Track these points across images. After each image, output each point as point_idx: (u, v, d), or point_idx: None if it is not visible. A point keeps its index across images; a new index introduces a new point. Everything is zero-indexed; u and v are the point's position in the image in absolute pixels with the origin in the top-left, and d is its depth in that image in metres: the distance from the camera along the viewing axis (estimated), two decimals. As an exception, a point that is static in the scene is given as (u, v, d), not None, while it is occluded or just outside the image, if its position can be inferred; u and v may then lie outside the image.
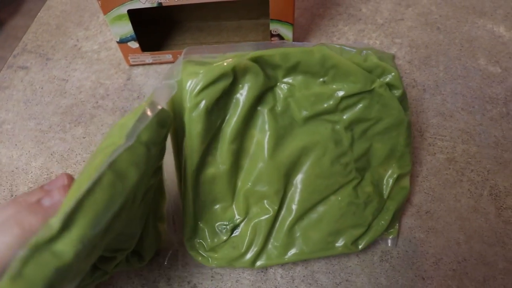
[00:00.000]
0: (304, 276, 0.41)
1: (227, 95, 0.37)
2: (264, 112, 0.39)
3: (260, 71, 0.37)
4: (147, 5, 0.48)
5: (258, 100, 0.39)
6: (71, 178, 0.35)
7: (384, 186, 0.43)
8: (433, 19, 0.62)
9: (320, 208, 0.41)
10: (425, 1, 0.64)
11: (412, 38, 0.59)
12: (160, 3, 0.48)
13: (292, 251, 0.40)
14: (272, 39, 0.53)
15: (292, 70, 0.39)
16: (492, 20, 0.61)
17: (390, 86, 0.40)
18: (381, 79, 0.40)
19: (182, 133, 0.37)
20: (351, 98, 0.39)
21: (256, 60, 0.37)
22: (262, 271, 0.41)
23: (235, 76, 0.36)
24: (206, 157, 0.38)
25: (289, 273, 0.41)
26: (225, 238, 0.40)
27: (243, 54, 0.37)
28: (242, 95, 0.37)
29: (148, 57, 0.55)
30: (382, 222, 0.41)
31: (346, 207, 0.40)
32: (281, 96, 0.39)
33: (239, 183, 0.40)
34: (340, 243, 0.40)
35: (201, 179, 0.38)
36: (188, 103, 0.35)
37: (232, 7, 0.56)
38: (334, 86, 0.39)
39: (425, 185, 0.46)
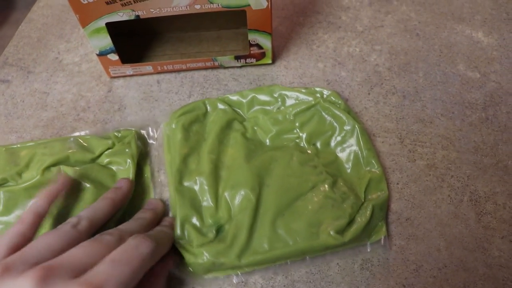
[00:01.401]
0: (284, 286, 0.41)
1: (202, 122, 0.49)
2: (235, 135, 0.48)
3: (228, 106, 0.50)
4: (125, 18, 0.48)
5: (229, 127, 0.49)
6: None
7: (359, 190, 0.44)
8: (413, 25, 0.62)
9: (299, 203, 0.42)
10: (404, 7, 0.65)
11: (391, 44, 0.59)
12: (138, 16, 0.48)
13: (278, 244, 0.41)
14: (251, 49, 0.53)
15: (251, 104, 0.51)
16: (471, 26, 0.62)
17: (332, 102, 0.49)
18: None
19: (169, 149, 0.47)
20: (303, 114, 0.49)
21: (223, 99, 0.51)
22: (242, 282, 0.41)
23: (206, 109, 0.50)
24: (189, 164, 0.46)
25: (269, 283, 0.41)
26: (211, 237, 0.42)
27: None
28: (213, 122, 0.49)
29: (128, 69, 0.55)
30: (364, 216, 0.42)
31: (323, 200, 0.42)
32: (249, 126, 0.49)
33: (220, 191, 0.44)
34: (323, 233, 0.41)
35: (185, 182, 0.44)
36: (172, 123, 0.48)
37: (211, 18, 0.57)
38: (285, 109, 0.50)
39: (405, 192, 0.46)
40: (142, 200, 0.46)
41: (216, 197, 0.43)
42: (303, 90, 0.50)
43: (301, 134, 0.48)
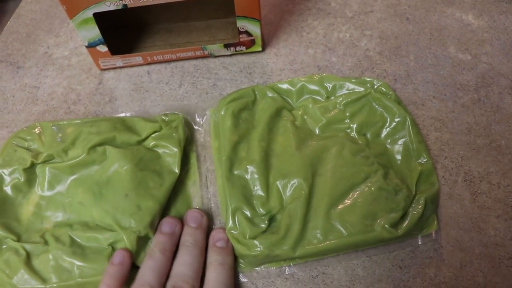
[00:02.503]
0: (280, 271, 0.41)
1: (250, 109, 0.48)
2: (285, 123, 0.47)
3: (276, 94, 0.49)
4: (112, 7, 0.47)
5: (278, 115, 0.48)
6: None
7: (410, 182, 0.44)
8: (402, 9, 0.62)
9: (352, 194, 0.42)
10: (394, -8, 0.65)
11: (382, 29, 0.59)
12: (126, 5, 0.47)
13: (332, 236, 0.40)
14: (240, 36, 0.53)
15: (300, 93, 0.50)
16: (461, 8, 0.61)
17: (382, 92, 0.49)
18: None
19: (217, 135, 0.47)
20: (354, 104, 0.48)
21: (271, 87, 0.50)
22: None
23: (256, 96, 0.49)
24: (239, 152, 0.45)
25: (264, 267, 0.41)
26: (263, 227, 0.41)
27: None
28: (263, 110, 0.48)
29: (118, 60, 0.54)
30: (418, 209, 0.41)
31: (377, 192, 0.41)
32: (298, 115, 0.49)
33: (271, 179, 0.43)
34: (378, 226, 0.40)
35: (235, 171, 0.44)
36: (221, 110, 0.47)
37: (200, 7, 0.56)
38: (335, 99, 0.49)
39: (399, 174, 0.46)
40: (186, 187, 0.46)
41: (267, 186, 0.43)
42: (353, 80, 0.50)
43: (351, 125, 0.47)
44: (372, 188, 0.41)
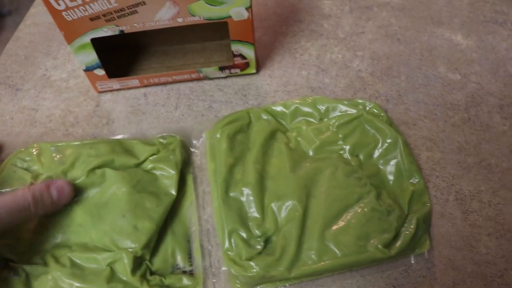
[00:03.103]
0: (275, 291, 0.41)
1: (245, 132, 0.49)
2: (280, 145, 0.48)
3: (271, 117, 0.50)
4: (109, 33, 0.48)
5: (273, 137, 0.49)
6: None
7: (403, 202, 0.45)
8: (393, 30, 0.63)
9: (345, 215, 0.43)
10: (384, 13, 0.66)
11: (373, 50, 0.60)
12: (122, 31, 0.48)
13: (327, 256, 0.41)
14: (235, 59, 0.54)
15: (294, 115, 0.51)
16: (450, 29, 0.63)
17: (374, 114, 0.50)
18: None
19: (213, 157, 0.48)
20: (346, 126, 0.49)
21: (266, 109, 0.52)
22: None
23: (250, 119, 0.50)
24: (235, 174, 0.46)
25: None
26: (259, 248, 0.42)
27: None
28: (257, 132, 0.48)
29: (115, 83, 0.55)
30: (410, 229, 0.42)
31: (370, 213, 0.42)
32: (292, 137, 0.49)
33: (266, 201, 0.44)
34: (371, 246, 0.41)
35: (231, 193, 0.45)
36: (217, 133, 0.48)
37: (195, 30, 0.57)
38: (328, 121, 0.50)
39: (391, 194, 0.46)
40: (182, 208, 0.46)
41: (262, 208, 0.44)
42: (346, 102, 0.51)
43: (344, 146, 0.48)
44: (365, 209, 0.42)
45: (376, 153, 0.48)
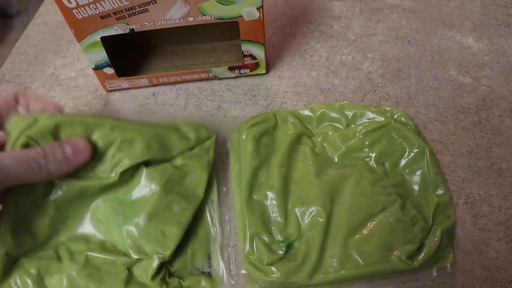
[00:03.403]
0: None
1: (271, 134, 0.49)
2: (305, 150, 0.47)
3: (297, 120, 0.50)
4: (120, 31, 0.48)
5: (298, 141, 0.48)
6: None
7: (427, 213, 0.44)
8: (404, 33, 0.63)
9: (370, 224, 0.42)
10: (395, 15, 0.66)
11: (383, 52, 0.60)
12: (132, 29, 0.48)
13: (349, 265, 0.40)
14: (245, 59, 0.54)
15: (320, 119, 0.51)
16: (461, 32, 0.63)
17: (402, 123, 0.49)
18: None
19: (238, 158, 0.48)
20: (373, 134, 0.48)
21: (292, 113, 0.51)
22: None
23: (277, 121, 0.50)
24: (259, 177, 0.45)
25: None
26: (281, 253, 0.41)
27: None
28: (283, 135, 0.48)
29: (124, 82, 0.55)
30: (434, 241, 0.41)
31: (394, 223, 0.42)
32: (318, 142, 0.49)
33: (290, 206, 0.44)
34: (394, 257, 0.40)
35: (255, 197, 0.44)
36: (243, 134, 0.48)
37: (205, 30, 0.57)
38: (355, 127, 0.49)
39: (401, 197, 0.46)
40: (203, 207, 0.45)
41: (285, 212, 0.43)
42: (374, 109, 0.50)
43: (370, 154, 0.48)
44: (390, 219, 0.42)
45: (402, 162, 0.47)
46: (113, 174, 0.42)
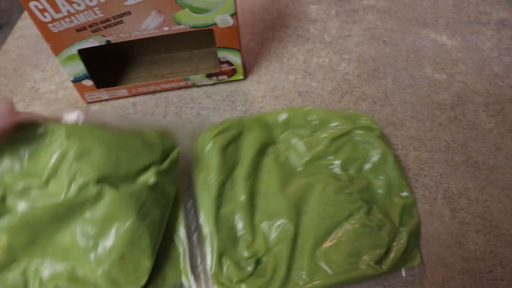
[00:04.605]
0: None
1: (236, 142, 0.48)
2: (269, 160, 0.47)
3: (262, 128, 0.49)
4: (96, 43, 0.49)
5: (262, 152, 0.48)
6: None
7: (393, 216, 0.44)
8: (379, 33, 0.64)
9: (336, 233, 0.42)
10: (370, 16, 0.67)
11: (359, 53, 0.61)
12: (109, 41, 0.49)
13: (318, 276, 0.40)
14: (222, 66, 0.54)
15: (285, 126, 0.50)
16: (435, 30, 0.64)
17: (366, 128, 0.49)
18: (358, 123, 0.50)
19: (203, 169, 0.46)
20: (337, 140, 0.48)
21: (258, 119, 0.50)
22: None
23: (241, 129, 0.48)
24: (226, 191, 0.45)
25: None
26: (250, 270, 0.41)
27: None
28: (248, 145, 0.47)
29: (103, 93, 0.56)
30: (400, 243, 0.42)
31: (361, 229, 0.42)
32: (281, 150, 0.49)
33: (257, 221, 0.44)
34: (363, 263, 0.40)
35: (222, 213, 0.44)
36: (207, 144, 0.46)
37: (183, 38, 0.58)
38: (319, 134, 0.49)
39: (380, 194, 0.47)
40: (173, 225, 0.44)
41: (252, 227, 0.43)
42: (338, 115, 0.50)
43: (335, 161, 0.48)
44: (356, 226, 0.42)
45: (367, 168, 0.48)
46: (72, 188, 0.37)
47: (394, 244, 0.42)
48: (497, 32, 0.63)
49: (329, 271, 0.40)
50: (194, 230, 0.44)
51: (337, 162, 0.48)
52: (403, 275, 0.42)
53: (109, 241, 0.38)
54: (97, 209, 0.38)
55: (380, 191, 0.46)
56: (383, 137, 0.50)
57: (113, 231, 0.38)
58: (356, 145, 0.48)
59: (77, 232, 0.38)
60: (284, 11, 0.68)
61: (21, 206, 0.38)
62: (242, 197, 0.44)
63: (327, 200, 0.44)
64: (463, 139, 0.51)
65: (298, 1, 0.70)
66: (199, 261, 0.43)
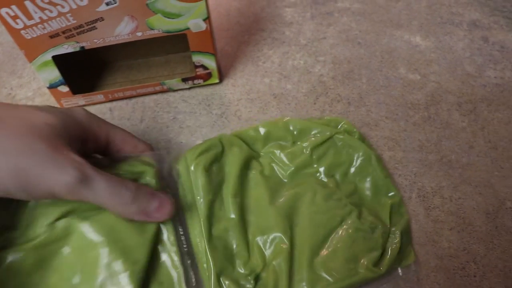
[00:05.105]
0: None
1: (219, 161, 0.46)
2: (255, 175, 0.46)
3: (243, 143, 0.48)
4: (70, 50, 0.49)
5: (247, 166, 0.47)
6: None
7: (384, 217, 0.45)
8: (354, 35, 0.65)
9: (331, 240, 0.42)
10: (345, 19, 0.67)
11: (334, 55, 0.62)
12: (83, 47, 0.49)
13: (319, 285, 0.40)
14: (197, 70, 0.54)
15: (266, 139, 0.50)
16: (409, 31, 0.64)
17: (346, 132, 0.50)
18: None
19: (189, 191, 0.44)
20: (319, 148, 0.48)
21: (238, 135, 0.49)
22: None
23: (223, 147, 0.47)
24: (215, 211, 0.43)
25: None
26: (250, 287, 0.40)
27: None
28: (231, 162, 0.46)
29: (80, 99, 0.56)
30: (394, 243, 0.42)
31: (354, 233, 0.42)
32: (265, 163, 0.48)
33: (250, 237, 0.43)
34: (361, 267, 0.41)
35: (214, 233, 0.42)
36: (191, 165, 0.44)
37: (159, 43, 0.58)
38: (301, 143, 0.49)
39: (355, 195, 0.47)
40: (161, 249, 0.41)
41: (247, 244, 0.42)
42: (317, 122, 0.50)
43: (319, 168, 0.48)
44: (350, 231, 0.42)
45: (352, 171, 0.48)
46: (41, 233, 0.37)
47: (388, 245, 0.42)
48: (469, 32, 0.64)
49: (330, 279, 0.40)
50: (186, 252, 0.42)
51: (322, 169, 0.48)
52: (400, 274, 0.42)
53: (85, 275, 0.37)
54: (68, 245, 0.38)
55: (367, 193, 0.47)
56: (363, 140, 0.50)
57: (86, 265, 0.37)
58: (338, 150, 0.48)
59: (62, 276, 0.37)
60: (260, 15, 0.68)
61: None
62: (233, 215, 0.43)
63: (317, 208, 0.44)
64: (437, 138, 0.51)
65: (274, 5, 0.70)
66: (193, 283, 0.40)
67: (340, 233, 0.42)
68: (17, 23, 0.45)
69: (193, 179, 0.44)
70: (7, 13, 0.44)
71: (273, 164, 0.48)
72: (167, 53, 0.61)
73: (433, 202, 0.46)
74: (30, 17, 0.45)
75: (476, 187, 0.47)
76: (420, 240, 0.44)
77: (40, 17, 0.45)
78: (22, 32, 0.46)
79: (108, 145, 0.41)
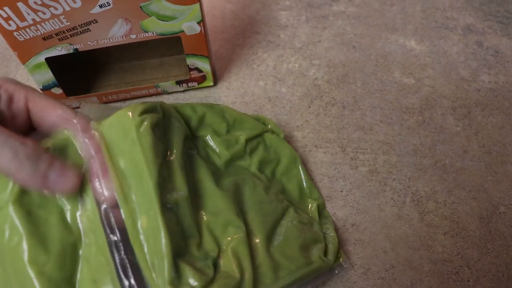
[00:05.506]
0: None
1: (162, 127, 0.38)
2: (193, 155, 0.42)
3: (181, 119, 0.42)
4: (64, 52, 0.49)
5: (186, 144, 0.41)
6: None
7: (313, 216, 0.45)
8: (349, 38, 0.65)
9: (280, 230, 0.42)
10: (340, 22, 0.67)
11: (329, 58, 0.62)
12: (76, 49, 0.49)
13: (283, 273, 0.38)
14: (191, 73, 0.54)
15: (201, 121, 0.45)
16: (403, 35, 0.65)
17: (273, 132, 0.49)
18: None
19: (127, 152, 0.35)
20: (252, 141, 0.47)
21: (175, 107, 0.43)
22: None
23: (164, 114, 0.39)
24: (165, 182, 0.35)
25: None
26: (211, 274, 0.35)
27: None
28: (175, 131, 0.40)
29: (74, 101, 0.55)
30: (331, 237, 0.43)
31: (299, 225, 0.42)
32: (200, 146, 0.44)
33: (199, 217, 0.38)
34: (314, 257, 0.41)
35: (168, 203, 0.35)
36: (133, 124, 0.35)
37: (153, 45, 0.58)
38: (236, 133, 0.46)
39: (349, 199, 0.47)
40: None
41: (197, 225, 0.37)
42: (251, 117, 0.48)
43: (252, 162, 0.46)
44: (294, 222, 0.42)
45: (279, 170, 0.48)
46: None
47: (328, 238, 0.43)
48: (463, 37, 0.64)
49: (292, 266, 0.39)
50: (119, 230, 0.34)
51: (254, 163, 0.46)
52: (336, 272, 0.42)
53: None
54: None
55: (293, 194, 0.47)
56: (288, 142, 0.50)
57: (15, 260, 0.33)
58: (267, 148, 0.48)
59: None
60: (255, 18, 0.68)
61: None
62: (183, 187, 0.36)
63: (261, 198, 0.42)
64: (431, 143, 0.51)
65: (269, 8, 0.70)
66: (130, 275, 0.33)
67: (286, 223, 0.42)
68: (9, 25, 0.45)
69: (136, 137, 0.34)
70: (-1, 14, 0.44)
71: (207, 149, 0.44)
72: (162, 56, 0.60)
73: (427, 206, 0.46)
74: (23, 19, 0.45)
75: (470, 191, 0.47)
76: (414, 245, 0.44)
77: (33, 19, 0.45)
78: (15, 33, 0.46)
79: (28, 116, 0.35)
